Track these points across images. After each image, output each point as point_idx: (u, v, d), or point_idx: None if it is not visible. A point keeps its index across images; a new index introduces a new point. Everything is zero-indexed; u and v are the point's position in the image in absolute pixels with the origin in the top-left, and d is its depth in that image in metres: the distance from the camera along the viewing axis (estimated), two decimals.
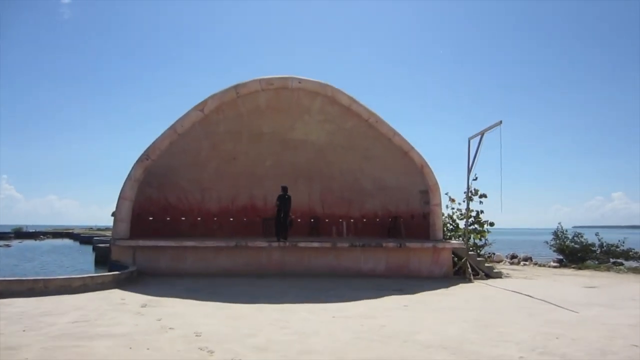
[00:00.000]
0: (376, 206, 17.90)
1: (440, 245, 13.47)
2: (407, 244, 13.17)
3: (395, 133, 14.38)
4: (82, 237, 42.00)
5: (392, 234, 17.11)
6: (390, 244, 13.18)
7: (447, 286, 11.67)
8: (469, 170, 13.87)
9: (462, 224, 16.94)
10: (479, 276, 13.34)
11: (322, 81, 13.84)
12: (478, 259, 14.25)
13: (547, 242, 20.29)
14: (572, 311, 8.46)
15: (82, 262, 21.67)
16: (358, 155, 16.79)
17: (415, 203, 16.25)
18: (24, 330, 6.31)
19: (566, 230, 19.41)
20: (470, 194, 16.83)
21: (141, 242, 13.06)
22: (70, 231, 58.57)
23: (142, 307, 8.22)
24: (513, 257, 20.76)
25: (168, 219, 16.96)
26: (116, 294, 9.70)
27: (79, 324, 6.76)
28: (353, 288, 11.05)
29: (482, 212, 16.46)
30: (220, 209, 17.74)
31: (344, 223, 18.46)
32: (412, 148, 14.52)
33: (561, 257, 18.93)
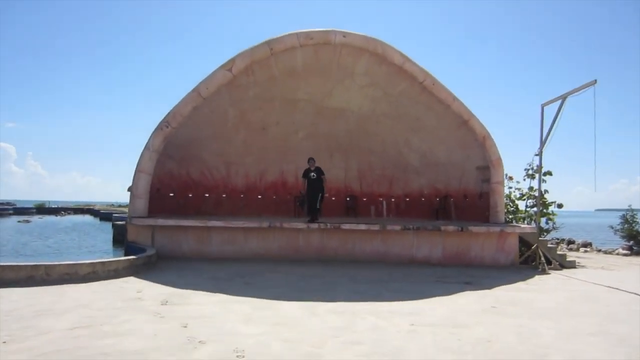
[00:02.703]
0: (422, 184, 15.92)
1: (509, 229, 11.48)
2: (470, 228, 11.22)
3: (455, 98, 12.30)
4: (102, 214, 41.06)
5: (440, 216, 15.15)
6: (450, 228, 11.25)
7: (523, 279, 9.74)
8: (542, 143, 11.75)
9: (521, 205, 14.89)
10: (552, 266, 11.35)
11: (370, 35, 11.76)
12: (549, 245, 12.22)
13: (612, 227, 18.10)
14: None
15: (101, 240, 20.31)
16: (404, 126, 14.76)
17: (469, 181, 14.22)
18: (4, 342, 4.63)
19: (636, 214, 17.19)
20: (531, 171, 14.78)
21: (161, 221, 11.38)
22: (91, 207, 58.00)
23: (162, 304, 6.50)
24: (570, 242, 18.62)
25: (190, 195, 15.29)
26: (131, 284, 8.02)
27: (79, 331, 5.06)
28: (412, 279, 9.21)
29: (546, 191, 14.36)
30: (247, 185, 15.98)
31: (384, 202, 16.57)
32: (473, 116, 12.44)
33: (630, 243, 16.75)
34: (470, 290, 8.24)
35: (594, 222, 62.10)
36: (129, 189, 12.64)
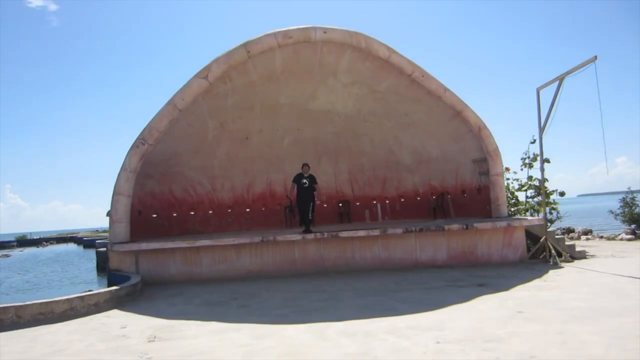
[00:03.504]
0: (416, 183, 15.28)
1: (516, 223, 10.87)
2: (475, 225, 10.59)
3: (446, 89, 11.69)
4: (85, 241, 39.67)
5: (438, 215, 14.52)
6: (454, 226, 10.59)
7: (538, 275, 9.11)
8: (541, 128, 11.19)
9: (521, 196, 14.35)
10: (563, 258, 10.77)
11: (352, 30, 11.11)
12: (557, 237, 11.65)
13: (612, 212, 17.67)
14: None
15: (84, 269, 19.28)
16: (393, 123, 14.14)
17: (466, 175, 13.63)
18: None
19: (635, 197, 16.78)
20: (528, 160, 14.27)
21: (144, 246, 10.54)
22: (74, 235, 56.34)
23: (149, 341, 5.69)
24: (570, 231, 18.12)
25: (174, 215, 14.42)
26: (115, 318, 7.19)
27: None
28: (421, 286, 8.52)
29: (546, 180, 13.82)
30: (234, 199, 15.18)
31: (379, 205, 15.90)
32: (466, 106, 11.85)
33: (632, 227, 16.31)
34: (487, 293, 7.57)
35: (583, 207, 62.37)
36: (108, 214, 11.78)
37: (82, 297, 7.63)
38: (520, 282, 8.42)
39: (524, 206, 13.93)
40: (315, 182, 11.26)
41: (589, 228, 18.48)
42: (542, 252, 11.07)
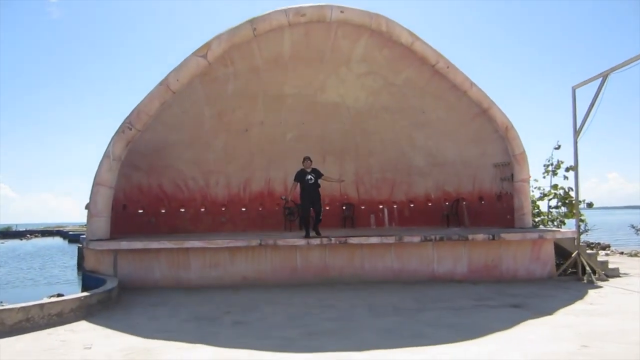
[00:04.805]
0: (428, 187, 14.06)
1: (548, 235, 9.65)
2: (503, 235, 9.37)
3: (473, 83, 10.51)
4: (71, 235, 38.08)
5: (451, 222, 13.30)
6: (479, 236, 9.37)
7: (578, 296, 7.89)
8: (577, 131, 10.00)
9: (542, 205, 13.18)
10: (598, 276, 9.58)
11: (373, 11, 9.89)
12: (588, 252, 10.46)
13: (633, 227, 16.58)
14: None
15: (64, 267, 17.90)
16: (409, 121, 12.94)
17: (485, 181, 12.44)
18: None
19: None
20: (552, 167, 13.12)
21: (125, 245, 9.23)
22: (61, 229, 54.68)
23: None
24: (588, 245, 16.91)
25: (163, 211, 13.13)
26: (80, 334, 5.88)
27: None
28: (446, 305, 7.27)
29: (570, 189, 12.69)
30: (229, 196, 13.91)
31: (385, 210, 14.67)
32: (493, 104, 10.67)
33: None
34: (529, 318, 6.33)
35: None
36: (87, 207, 10.45)
37: (41, 306, 6.31)
38: (561, 305, 7.19)
39: (547, 216, 12.73)
40: (322, 175, 10.00)
41: (606, 242, 17.34)
42: (571, 268, 9.90)
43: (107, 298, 7.51)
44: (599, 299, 7.69)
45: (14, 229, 55.68)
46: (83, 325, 6.33)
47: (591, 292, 8.30)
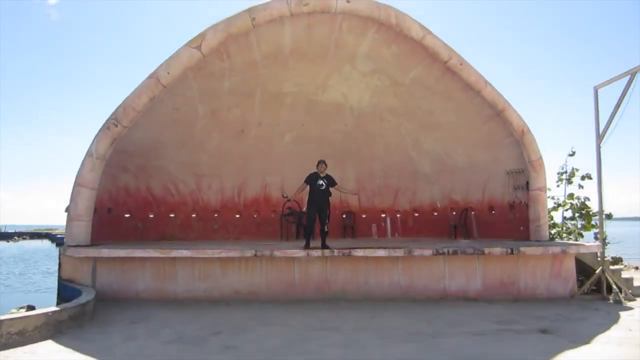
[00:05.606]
0: (434, 195, 13.23)
1: (572, 249, 8.82)
2: (522, 249, 8.53)
3: (487, 83, 9.71)
4: (59, 239, 36.97)
5: (459, 233, 12.47)
6: (496, 250, 8.52)
7: (611, 319, 7.07)
8: (600, 136, 9.22)
9: (556, 216, 12.37)
10: (625, 296, 8.76)
11: (381, 2, 9.09)
12: (611, 267, 9.63)
13: None
14: None
15: (46, 273, 16.96)
16: (415, 124, 12.13)
17: (496, 189, 11.62)
18: None
19: None
20: (566, 175, 12.35)
21: (105, 252, 8.32)
22: (50, 232, 53.41)
23: None
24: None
25: (151, 216, 12.23)
26: (41, 357, 4.98)
27: None
28: (466, 329, 6.41)
29: (587, 199, 11.90)
30: (222, 202, 13.02)
31: (388, 219, 13.83)
32: (509, 105, 9.86)
33: None
34: (567, 348, 5.48)
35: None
36: (67, 210, 9.55)
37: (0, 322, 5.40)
38: (596, 330, 6.35)
39: (562, 228, 11.92)
40: (335, 183, 9.20)
41: (617, 256, 16.50)
42: (593, 285, 9.10)
43: (81, 313, 6.61)
44: (636, 323, 6.86)
45: (2, 231, 54.37)
46: (48, 346, 5.45)
47: (623, 314, 7.47)
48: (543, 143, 9.82)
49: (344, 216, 13.72)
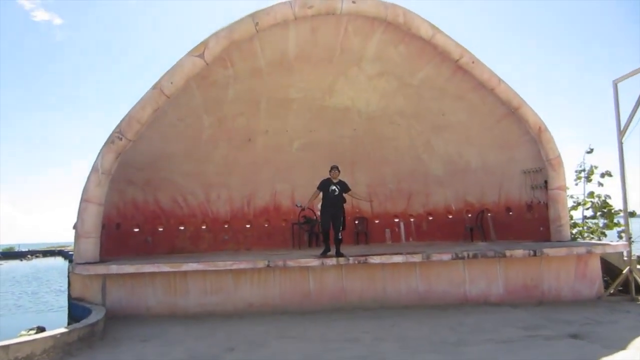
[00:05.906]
0: (448, 198, 12.92)
1: (597, 249, 8.46)
2: (546, 251, 8.19)
3: (501, 80, 9.43)
4: (71, 256, 36.94)
5: (476, 236, 12.13)
6: (518, 252, 8.20)
7: None
8: (622, 131, 8.89)
9: (576, 215, 11.99)
10: None
11: (388, 1, 8.86)
12: (638, 267, 9.25)
13: None
14: None
15: (58, 291, 16.80)
16: (425, 126, 11.87)
17: (512, 190, 11.29)
18: None
19: None
20: (584, 173, 11.98)
21: (115, 269, 8.11)
22: (63, 249, 53.59)
23: None
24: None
25: (160, 229, 12.04)
26: None
27: None
28: (492, 336, 6.09)
29: (608, 196, 11.51)
30: (232, 212, 12.81)
31: (402, 224, 13.52)
32: (524, 102, 9.57)
33: None
34: (603, 355, 5.15)
35: None
36: (75, 227, 9.38)
37: (5, 348, 5.18)
38: (630, 334, 6.00)
39: (583, 227, 11.53)
40: (348, 189, 8.98)
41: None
42: (620, 286, 8.72)
43: (90, 333, 6.38)
44: None
45: (16, 249, 54.73)
46: None
47: None
48: (560, 141, 9.40)
49: (357, 222, 13.45)
